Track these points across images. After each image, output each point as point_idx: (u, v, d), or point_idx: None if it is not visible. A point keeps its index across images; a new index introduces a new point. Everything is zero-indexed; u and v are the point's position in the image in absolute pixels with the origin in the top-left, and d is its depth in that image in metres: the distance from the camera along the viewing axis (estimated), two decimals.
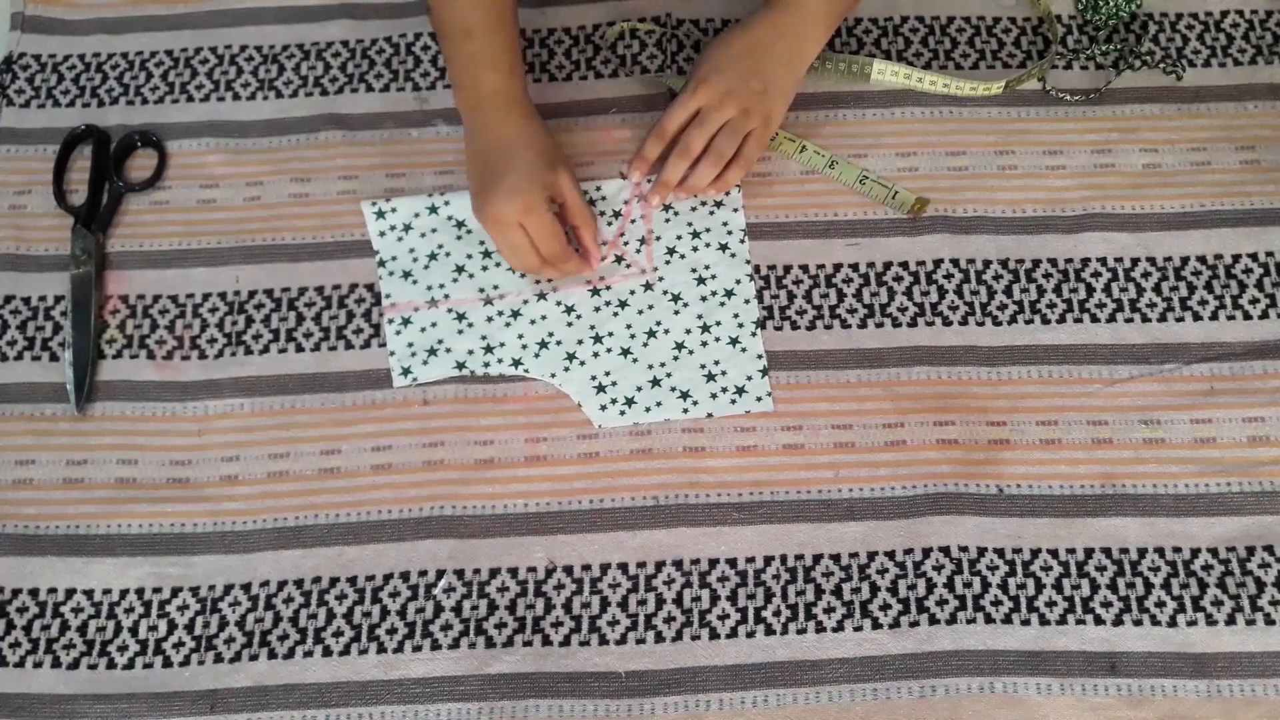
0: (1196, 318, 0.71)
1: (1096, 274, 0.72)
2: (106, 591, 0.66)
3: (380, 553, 0.66)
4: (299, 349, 0.71)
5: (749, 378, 0.69)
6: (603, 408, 0.69)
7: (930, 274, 0.73)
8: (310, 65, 0.80)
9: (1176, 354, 0.70)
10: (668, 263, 0.73)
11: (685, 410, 0.69)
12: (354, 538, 0.67)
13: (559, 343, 0.71)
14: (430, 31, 0.80)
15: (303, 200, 0.75)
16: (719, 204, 0.74)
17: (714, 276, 0.72)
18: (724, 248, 0.73)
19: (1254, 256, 0.73)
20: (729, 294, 0.72)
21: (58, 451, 0.69)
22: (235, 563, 0.66)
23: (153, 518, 0.67)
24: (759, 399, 0.69)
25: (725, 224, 0.73)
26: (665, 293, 0.72)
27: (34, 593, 0.66)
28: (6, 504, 0.68)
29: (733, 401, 0.69)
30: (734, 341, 0.70)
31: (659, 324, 0.71)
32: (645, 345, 0.71)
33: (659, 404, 0.69)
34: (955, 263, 0.73)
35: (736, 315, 0.71)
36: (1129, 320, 0.71)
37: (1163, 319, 0.71)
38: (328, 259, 0.73)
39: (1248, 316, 0.71)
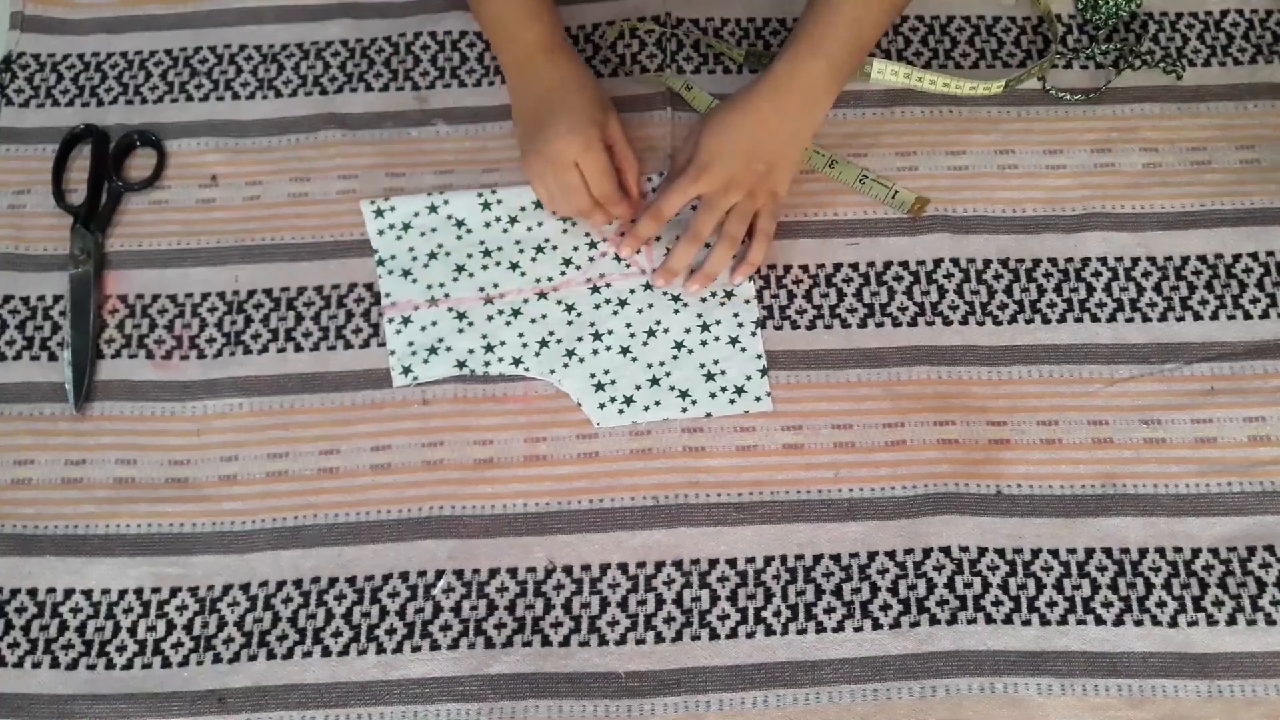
0: (1197, 317, 0.71)
1: (1097, 274, 0.72)
2: (105, 592, 0.66)
3: (379, 553, 0.66)
4: (298, 349, 0.71)
5: (748, 377, 0.69)
6: (601, 406, 0.69)
7: (930, 274, 0.72)
8: (310, 65, 0.79)
9: (1177, 354, 0.70)
10: None
11: (684, 409, 0.69)
12: (353, 538, 0.66)
13: (559, 341, 0.71)
14: (429, 30, 0.80)
15: (302, 200, 0.75)
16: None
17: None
18: None
19: (1254, 256, 0.73)
20: (729, 294, 0.72)
21: (56, 451, 0.69)
22: (234, 563, 0.66)
23: (152, 518, 0.67)
24: (758, 399, 0.69)
25: None
26: (665, 292, 0.72)
27: (33, 593, 0.66)
28: (5, 504, 0.67)
29: (731, 401, 0.69)
30: (733, 341, 0.70)
31: (658, 323, 0.71)
32: (645, 344, 0.71)
33: (658, 403, 0.69)
34: (955, 262, 0.73)
35: (736, 315, 0.71)
36: (1129, 320, 0.71)
37: (1163, 319, 0.71)
38: (327, 259, 0.73)
39: (1248, 316, 0.71)
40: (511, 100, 0.74)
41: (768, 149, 0.70)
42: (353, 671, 0.63)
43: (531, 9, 0.70)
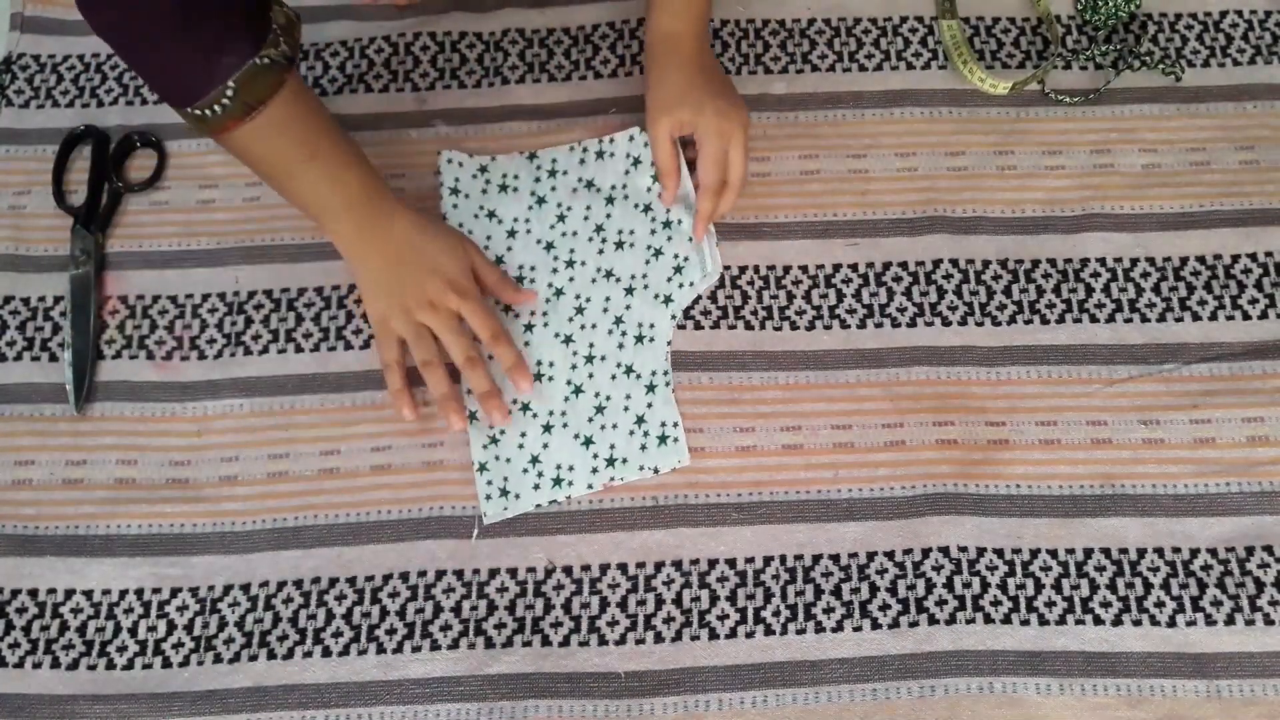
0: (1195, 318, 0.71)
1: (1096, 274, 0.72)
2: (106, 592, 0.66)
3: (380, 553, 0.66)
4: (298, 349, 0.71)
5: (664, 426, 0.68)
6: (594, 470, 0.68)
7: (930, 274, 0.73)
8: (310, 65, 0.79)
9: (1176, 354, 0.70)
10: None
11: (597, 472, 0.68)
12: (354, 538, 0.67)
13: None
14: (429, 31, 0.80)
15: None
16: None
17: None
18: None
19: (1253, 256, 0.73)
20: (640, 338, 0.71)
21: (57, 452, 0.69)
22: (235, 563, 0.66)
23: (152, 518, 0.67)
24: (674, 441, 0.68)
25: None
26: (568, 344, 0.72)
27: (33, 593, 0.66)
28: (6, 504, 0.68)
29: (643, 448, 0.68)
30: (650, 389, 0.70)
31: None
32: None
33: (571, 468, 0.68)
34: (955, 263, 0.73)
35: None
36: (1128, 320, 0.71)
37: (1162, 319, 0.71)
38: (327, 259, 0.73)
39: (1247, 317, 0.71)
40: (348, 251, 0.68)
41: (708, 89, 0.72)
42: (353, 671, 0.64)
43: (355, 152, 0.67)
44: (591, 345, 0.70)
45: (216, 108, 0.59)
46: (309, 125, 0.64)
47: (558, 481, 0.67)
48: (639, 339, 0.70)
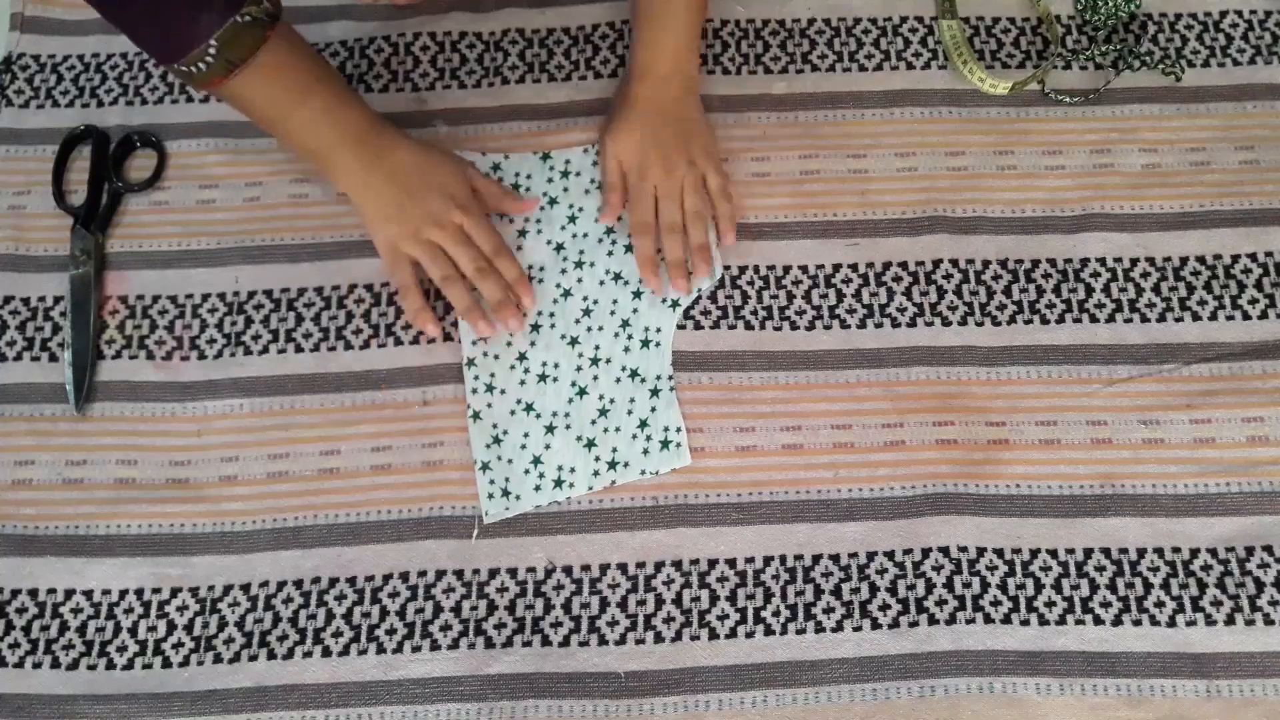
0: (1195, 318, 0.71)
1: (1096, 274, 0.72)
2: (106, 592, 0.66)
3: (380, 553, 0.66)
4: (298, 349, 0.71)
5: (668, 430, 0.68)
6: (595, 473, 0.68)
7: (930, 274, 0.73)
8: None
9: (1176, 354, 0.70)
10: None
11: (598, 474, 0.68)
12: (353, 538, 0.67)
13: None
14: (429, 31, 0.80)
15: (302, 201, 0.75)
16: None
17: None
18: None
19: (1253, 257, 0.73)
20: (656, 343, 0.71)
21: (57, 452, 0.69)
22: (235, 563, 0.66)
23: (152, 518, 0.67)
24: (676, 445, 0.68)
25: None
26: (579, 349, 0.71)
27: (33, 593, 0.66)
28: (6, 504, 0.68)
29: (645, 453, 0.68)
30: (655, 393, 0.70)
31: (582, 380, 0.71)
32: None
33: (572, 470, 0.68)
34: (955, 263, 0.73)
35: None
36: (1128, 320, 0.71)
37: (1162, 319, 0.71)
38: (327, 259, 0.73)
39: (1247, 317, 0.71)
40: (351, 185, 0.69)
41: (675, 130, 0.73)
42: (353, 671, 0.64)
43: (350, 93, 0.69)
44: (597, 348, 0.70)
45: (201, 64, 0.60)
46: (300, 71, 0.66)
47: (559, 483, 0.67)
48: (645, 343, 0.70)
